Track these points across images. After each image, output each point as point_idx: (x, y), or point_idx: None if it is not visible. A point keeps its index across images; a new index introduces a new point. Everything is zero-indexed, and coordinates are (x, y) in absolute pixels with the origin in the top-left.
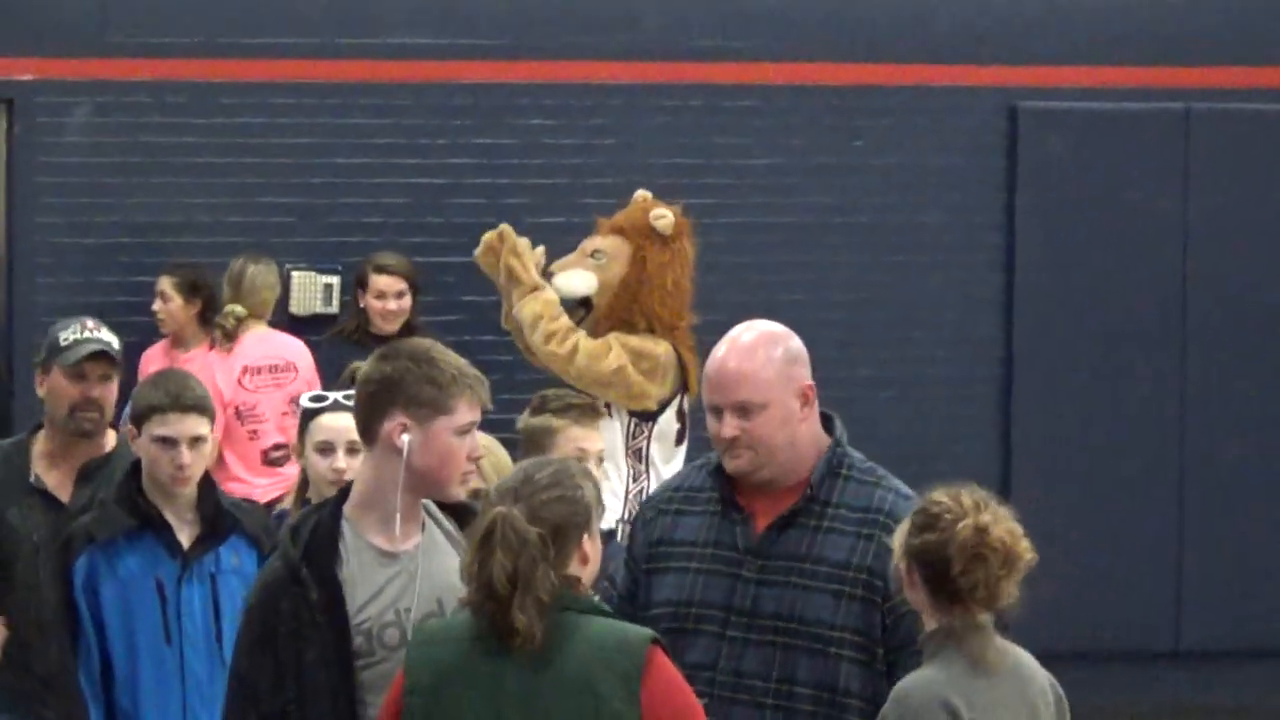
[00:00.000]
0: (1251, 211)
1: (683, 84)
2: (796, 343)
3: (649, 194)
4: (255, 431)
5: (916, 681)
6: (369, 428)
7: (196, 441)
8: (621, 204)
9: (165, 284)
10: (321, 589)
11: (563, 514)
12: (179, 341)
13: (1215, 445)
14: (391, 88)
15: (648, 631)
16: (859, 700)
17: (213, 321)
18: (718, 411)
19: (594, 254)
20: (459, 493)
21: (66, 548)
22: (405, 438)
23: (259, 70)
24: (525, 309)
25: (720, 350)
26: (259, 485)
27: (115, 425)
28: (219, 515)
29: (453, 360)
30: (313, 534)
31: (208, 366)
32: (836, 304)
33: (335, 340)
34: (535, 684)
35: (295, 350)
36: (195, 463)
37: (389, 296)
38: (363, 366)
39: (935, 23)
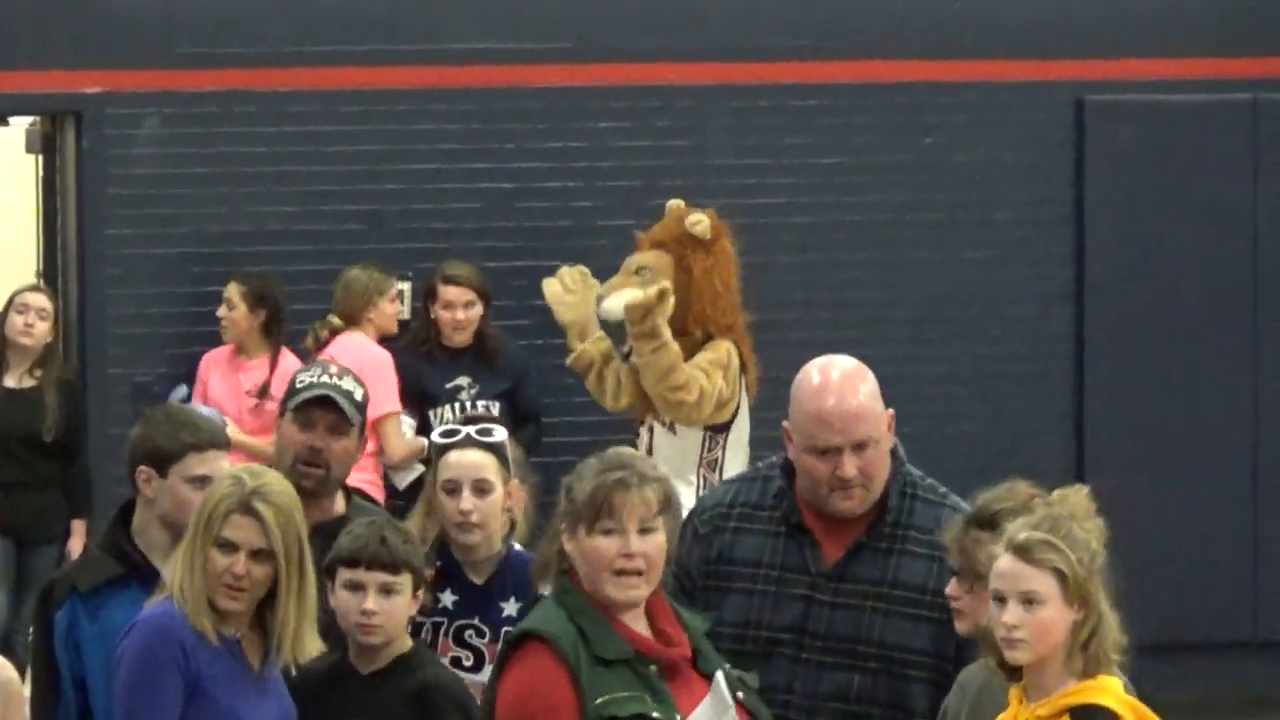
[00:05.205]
0: None
1: (750, 84)
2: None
3: (682, 202)
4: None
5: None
6: None
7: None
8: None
9: (232, 291)
10: None
11: None
12: (242, 349)
13: None
14: (459, 93)
15: None
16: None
17: (276, 332)
18: (835, 452)
19: (639, 271)
20: None
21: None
22: None
23: (324, 78)
24: (661, 361)
25: (818, 392)
26: None
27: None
28: None
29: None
30: None
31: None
32: (907, 301)
33: (407, 350)
34: None
35: (368, 358)
36: None
37: (457, 307)
38: None
39: (1003, 18)
